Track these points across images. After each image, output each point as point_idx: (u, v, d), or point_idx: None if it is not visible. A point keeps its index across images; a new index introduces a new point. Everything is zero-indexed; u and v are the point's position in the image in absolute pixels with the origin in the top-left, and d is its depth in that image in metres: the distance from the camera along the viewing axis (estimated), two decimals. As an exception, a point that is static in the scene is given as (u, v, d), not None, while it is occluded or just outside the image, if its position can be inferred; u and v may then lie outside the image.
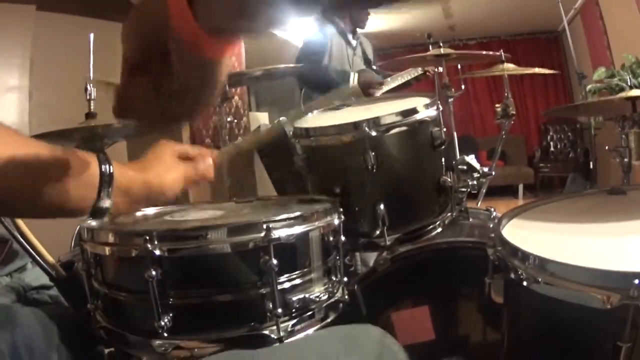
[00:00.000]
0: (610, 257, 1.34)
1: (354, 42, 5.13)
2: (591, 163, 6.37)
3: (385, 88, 4.75)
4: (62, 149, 1.08)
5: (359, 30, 5.19)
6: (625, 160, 2.38)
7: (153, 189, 1.22)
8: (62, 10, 4.91)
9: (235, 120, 6.43)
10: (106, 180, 1.11)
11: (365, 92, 4.64)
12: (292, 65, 4.49)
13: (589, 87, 5.95)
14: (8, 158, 0.96)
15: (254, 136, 1.52)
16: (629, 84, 5.16)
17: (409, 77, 4.78)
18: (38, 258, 1.73)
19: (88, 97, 2.37)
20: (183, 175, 1.30)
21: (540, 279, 1.30)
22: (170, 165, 1.29)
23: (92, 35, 2.56)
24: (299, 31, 5.47)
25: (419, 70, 4.73)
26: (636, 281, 1.10)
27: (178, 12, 0.69)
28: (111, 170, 1.12)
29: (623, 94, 2.28)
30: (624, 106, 2.28)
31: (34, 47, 4.62)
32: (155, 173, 1.23)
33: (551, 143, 11.01)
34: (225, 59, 0.80)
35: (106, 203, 1.11)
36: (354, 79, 4.75)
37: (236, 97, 6.49)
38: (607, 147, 2.46)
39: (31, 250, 1.73)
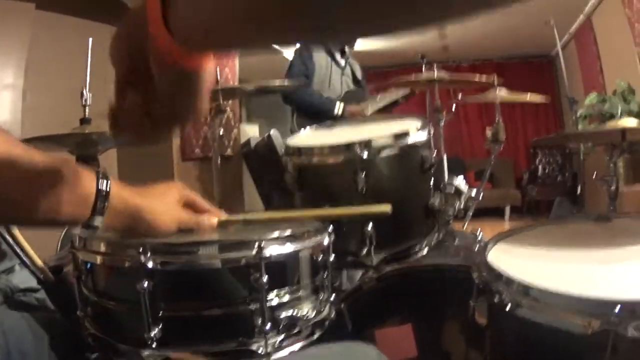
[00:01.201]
0: (592, 284, 1.37)
1: (342, 62, 5.15)
2: (579, 187, 6.40)
3: (374, 108, 4.79)
4: (60, 159, 1.09)
5: (347, 50, 5.21)
6: (612, 188, 2.41)
7: (142, 220, 1.22)
8: (62, 11, 4.91)
9: (226, 132, 6.43)
10: (102, 197, 1.12)
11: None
12: (285, 82, 4.51)
13: (579, 112, 5.98)
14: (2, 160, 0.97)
15: (264, 214, 1.53)
16: (619, 111, 5.20)
17: (397, 97, 4.81)
18: (27, 261, 1.73)
19: (84, 102, 2.38)
20: (179, 222, 1.29)
21: (523, 304, 1.33)
22: (170, 206, 1.29)
23: (90, 40, 2.57)
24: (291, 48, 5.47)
25: (407, 90, 4.77)
26: (617, 308, 1.13)
27: (155, 31, 0.73)
28: (108, 189, 1.14)
29: (613, 123, 2.31)
30: (614, 134, 2.31)
31: (31, 47, 4.62)
32: (151, 206, 1.23)
33: (539, 166, 11.04)
34: (204, 70, 0.83)
35: (98, 220, 1.13)
36: (339, 108, 4.77)
37: (228, 109, 6.48)
38: (594, 175, 2.49)
39: (20, 253, 1.74)
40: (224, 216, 1.42)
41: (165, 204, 1.28)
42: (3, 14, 4.42)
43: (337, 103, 4.84)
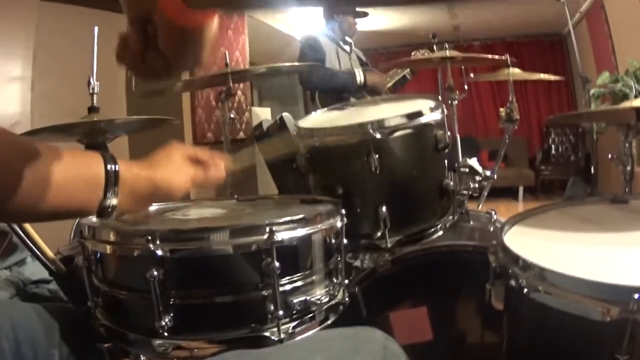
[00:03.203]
0: (611, 269, 1.34)
1: (347, 48, 5.23)
2: (592, 167, 6.37)
3: (389, 84, 4.82)
4: (65, 149, 1.07)
5: (348, 38, 5.29)
6: (628, 168, 2.37)
7: (159, 188, 1.21)
8: (66, 1, 4.90)
9: (238, 115, 6.44)
10: (112, 179, 1.10)
11: (372, 93, 4.71)
12: (296, 63, 4.53)
13: (592, 91, 5.93)
14: (7, 158, 0.95)
15: (267, 146, 1.51)
16: (633, 90, 5.15)
17: (405, 70, 4.84)
18: (38, 252, 1.73)
19: (91, 91, 2.37)
20: (191, 177, 1.30)
21: (540, 288, 1.30)
22: (179, 166, 1.29)
23: (96, 28, 2.55)
24: (301, 29, 5.56)
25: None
26: (636, 295, 1.10)
27: None
28: (117, 169, 1.11)
29: (628, 103, 2.27)
30: (628, 114, 2.28)
31: (37, 38, 4.62)
32: (162, 172, 1.23)
33: (553, 146, 11.01)
34: (207, 26, 0.86)
35: (112, 202, 1.11)
36: (360, 76, 4.81)
37: (239, 92, 6.49)
38: (609, 156, 2.45)
39: (31, 245, 1.73)
40: (227, 160, 1.44)
41: (174, 166, 1.29)
42: (8, 6, 4.42)
43: (357, 71, 4.89)
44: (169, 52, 0.87)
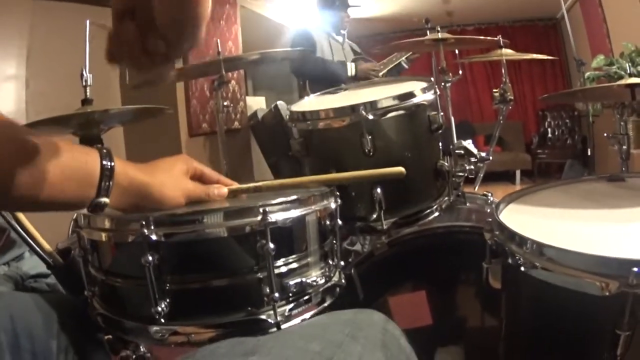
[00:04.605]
0: (608, 244, 1.34)
1: (339, 39, 5.27)
2: (589, 150, 6.36)
3: (383, 72, 4.83)
4: (62, 141, 1.06)
5: (342, 30, 5.34)
6: (624, 147, 2.37)
7: (150, 196, 1.20)
8: (59, -2, 4.90)
9: (232, 105, 6.43)
10: (107, 176, 1.09)
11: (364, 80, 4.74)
12: (288, 49, 4.55)
13: (587, 74, 5.92)
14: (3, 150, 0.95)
15: (276, 181, 1.49)
16: (628, 72, 5.14)
17: (402, 58, 4.84)
18: (35, 246, 1.72)
19: (84, 83, 2.36)
20: (187, 194, 1.28)
21: (537, 264, 1.29)
22: (177, 179, 1.27)
23: (88, 22, 2.54)
24: (293, 18, 5.60)
25: (408, 52, 4.81)
26: (635, 269, 1.09)
27: None
28: (112, 165, 1.10)
29: (622, 81, 2.27)
30: (623, 93, 2.27)
31: (32, 36, 4.60)
32: (158, 181, 1.21)
33: (549, 129, 11.01)
34: None
35: (105, 199, 1.10)
36: (352, 69, 4.84)
37: (233, 82, 6.48)
38: (605, 134, 2.45)
39: (28, 239, 1.72)
40: (234, 185, 1.40)
41: (172, 177, 1.26)
42: (1, 6, 4.41)
43: (349, 64, 4.94)
44: (169, 31, 0.83)
